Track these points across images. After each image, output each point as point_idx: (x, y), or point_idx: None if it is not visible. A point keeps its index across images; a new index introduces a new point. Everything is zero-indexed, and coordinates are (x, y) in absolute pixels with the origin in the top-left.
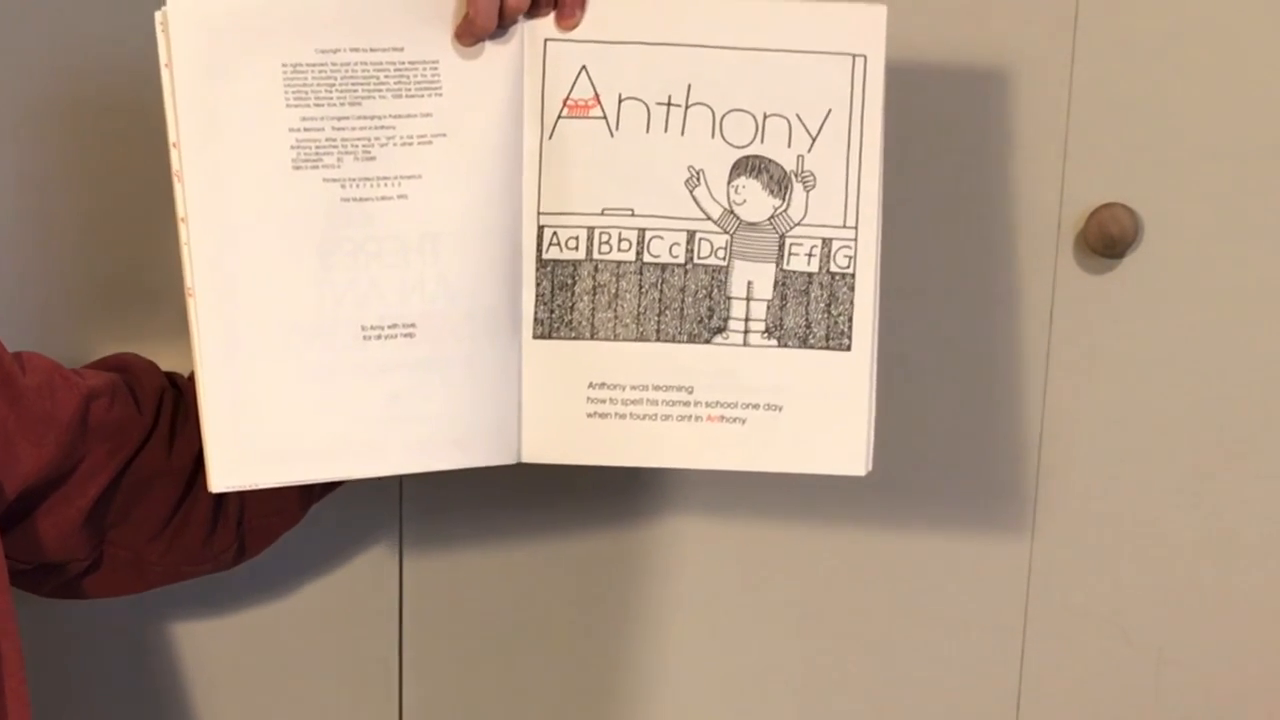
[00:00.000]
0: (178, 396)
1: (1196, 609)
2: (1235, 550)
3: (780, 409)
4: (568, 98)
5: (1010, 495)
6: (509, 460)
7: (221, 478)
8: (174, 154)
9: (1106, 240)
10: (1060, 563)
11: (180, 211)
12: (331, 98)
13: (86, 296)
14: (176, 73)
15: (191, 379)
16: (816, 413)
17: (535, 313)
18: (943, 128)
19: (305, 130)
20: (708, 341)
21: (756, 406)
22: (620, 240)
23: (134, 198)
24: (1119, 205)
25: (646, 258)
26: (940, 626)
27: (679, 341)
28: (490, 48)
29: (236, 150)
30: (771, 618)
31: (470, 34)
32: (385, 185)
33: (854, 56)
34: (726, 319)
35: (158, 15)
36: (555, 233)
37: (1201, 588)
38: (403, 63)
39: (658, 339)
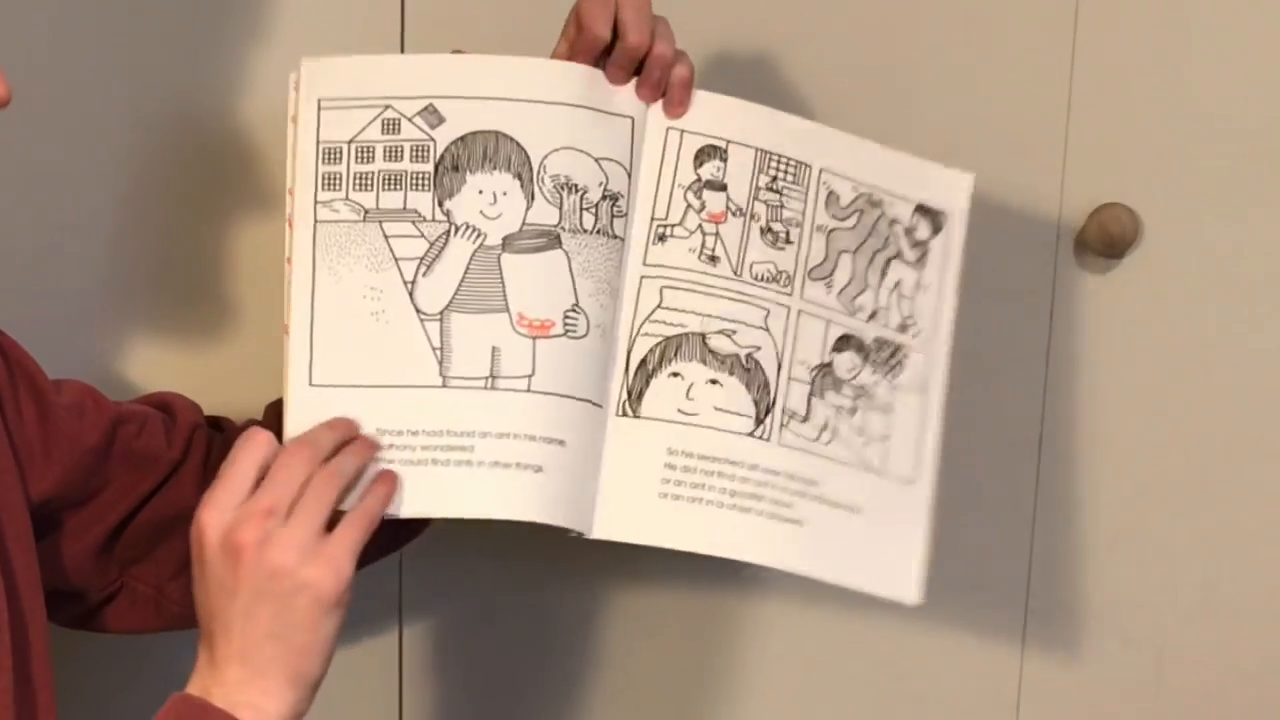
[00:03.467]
0: (214, 437)
1: (1196, 609)
2: (1235, 550)
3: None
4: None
5: (1010, 495)
6: (585, 530)
7: None
8: (289, 200)
9: (1106, 240)
10: (1060, 563)
11: (287, 253)
12: None
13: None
14: (302, 122)
15: (245, 425)
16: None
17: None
18: (942, 127)
19: None
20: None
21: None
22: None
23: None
24: (1119, 205)
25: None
26: (940, 626)
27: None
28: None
29: None
30: (767, 616)
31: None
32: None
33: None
34: None
35: (292, 74)
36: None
37: (1201, 588)
38: None
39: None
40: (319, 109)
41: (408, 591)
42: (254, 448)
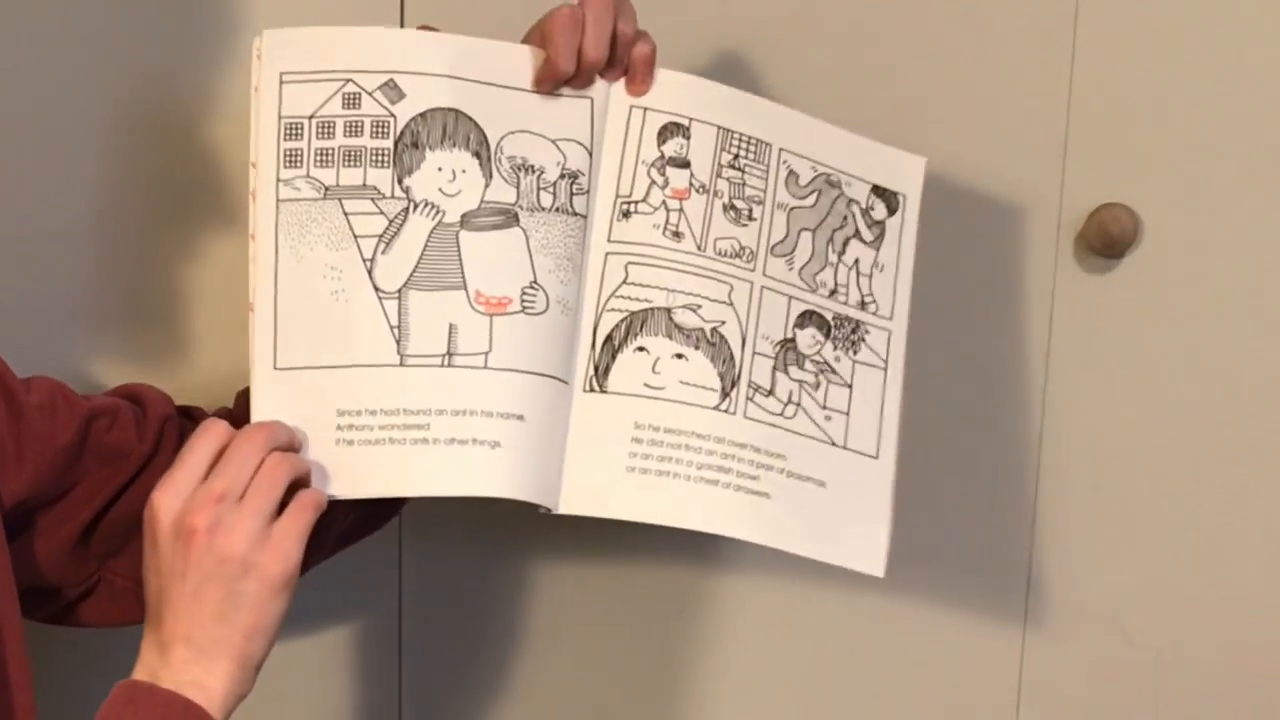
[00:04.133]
0: (185, 427)
1: (1196, 609)
2: (1235, 550)
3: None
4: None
5: (1010, 495)
6: (550, 504)
7: None
8: (251, 173)
9: (1106, 240)
10: (1060, 563)
11: (251, 229)
12: None
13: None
14: (263, 96)
15: (216, 414)
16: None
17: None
18: (943, 127)
19: None
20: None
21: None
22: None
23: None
24: (1119, 205)
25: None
26: (940, 625)
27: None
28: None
29: None
30: (767, 614)
31: (550, 79)
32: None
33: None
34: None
35: (255, 41)
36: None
37: (1201, 588)
38: None
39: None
40: (280, 83)
41: (407, 590)
42: (211, 436)
